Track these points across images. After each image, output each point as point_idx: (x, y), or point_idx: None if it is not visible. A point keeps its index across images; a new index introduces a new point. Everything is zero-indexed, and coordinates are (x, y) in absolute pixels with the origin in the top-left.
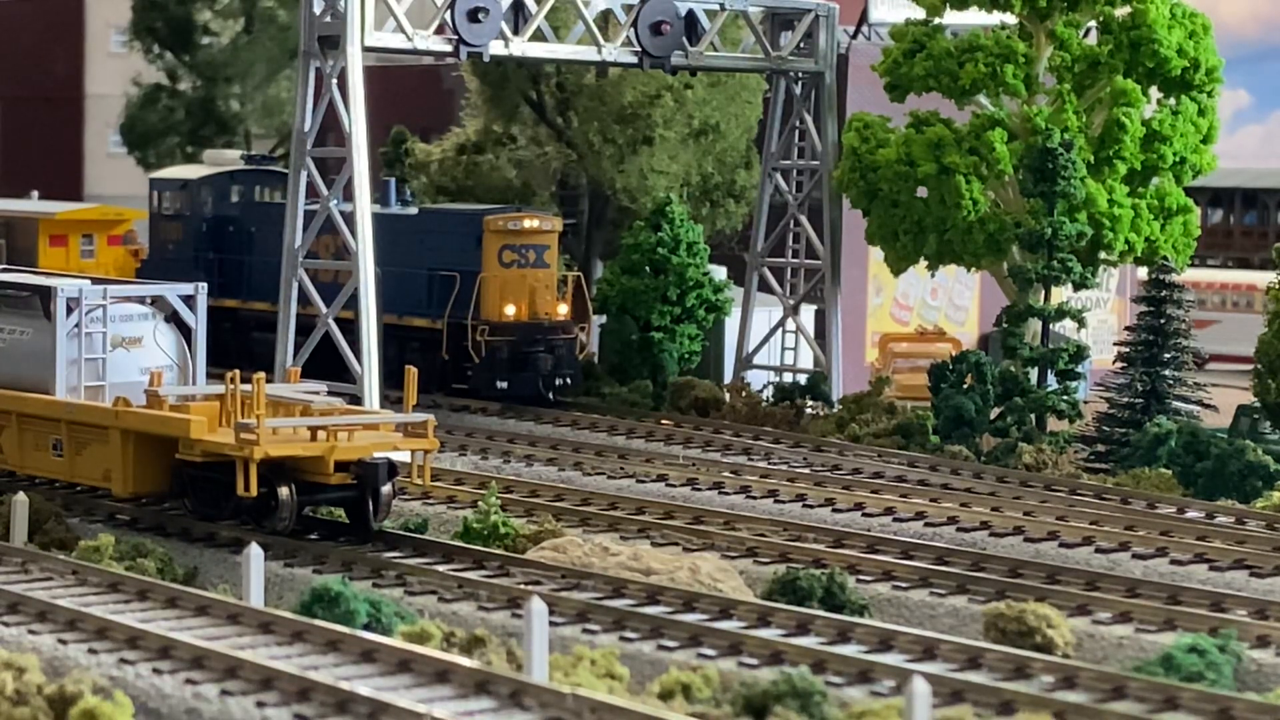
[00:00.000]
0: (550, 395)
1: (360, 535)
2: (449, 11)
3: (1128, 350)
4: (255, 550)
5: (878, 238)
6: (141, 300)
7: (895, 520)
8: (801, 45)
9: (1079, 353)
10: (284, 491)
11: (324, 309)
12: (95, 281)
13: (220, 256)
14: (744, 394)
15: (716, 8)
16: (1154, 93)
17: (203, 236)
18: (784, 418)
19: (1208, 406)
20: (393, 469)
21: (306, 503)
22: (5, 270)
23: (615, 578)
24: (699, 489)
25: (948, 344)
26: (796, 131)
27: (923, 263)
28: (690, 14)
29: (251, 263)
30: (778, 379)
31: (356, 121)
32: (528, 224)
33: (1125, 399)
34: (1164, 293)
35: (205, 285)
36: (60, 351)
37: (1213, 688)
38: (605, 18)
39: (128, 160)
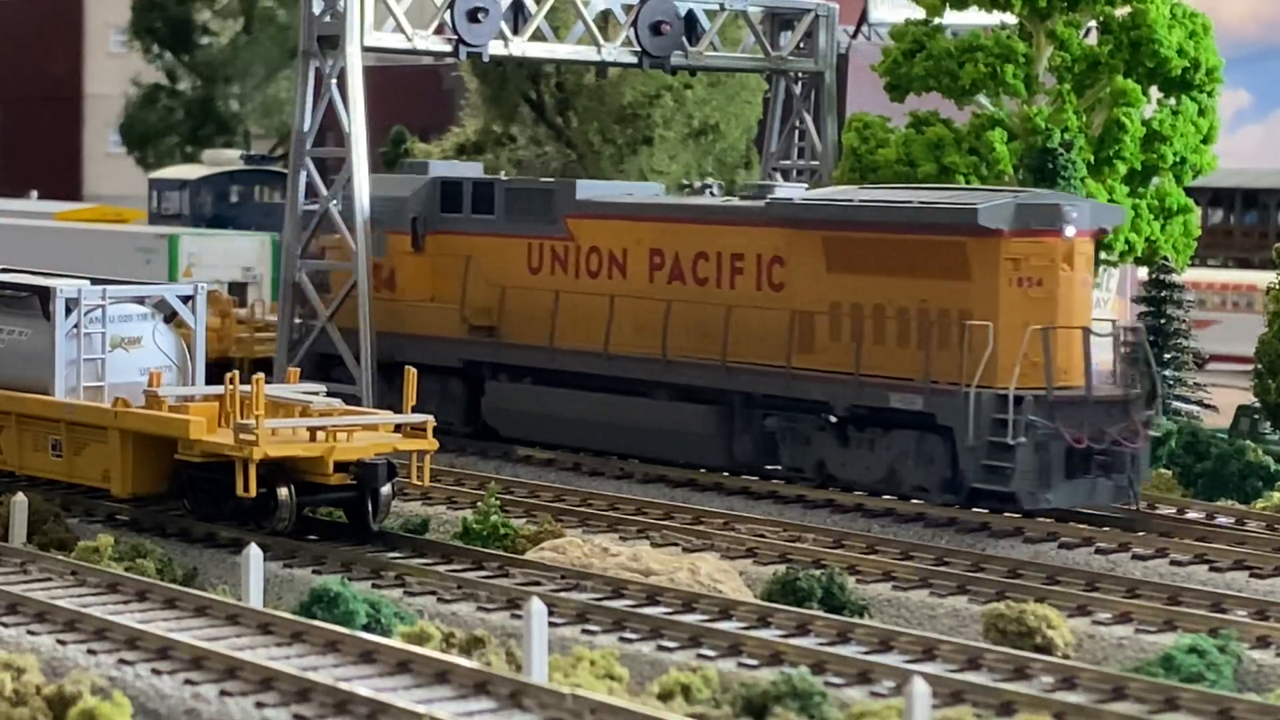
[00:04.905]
0: None
1: (360, 536)
2: (449, 11)
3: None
4: (255, 551)
5: None
6: (141, 300)
7: (895, 520)
8: (801, 45)
9: None
10: (283, 492)
11: (323, 310)
12: (94, 281)
13: None
14: None
15: (716, 8)
16: (1154, 93)
17: None
18: None
19: (1208, 406)
20: (392, 469)
21: (306, 503)
22: (4, 270)
23: (615, 578)
24: (699, 489)
25: None
26: (796, 131)
27: None
28: (690, 14)
29: None
30: None
31: (356, 121)
32: None
33: None
34: (1164, 293)
35: (205, 285)
36: (59, 352)
37: (1213, 688)
38: (605, 18)
39: (127, 160)
